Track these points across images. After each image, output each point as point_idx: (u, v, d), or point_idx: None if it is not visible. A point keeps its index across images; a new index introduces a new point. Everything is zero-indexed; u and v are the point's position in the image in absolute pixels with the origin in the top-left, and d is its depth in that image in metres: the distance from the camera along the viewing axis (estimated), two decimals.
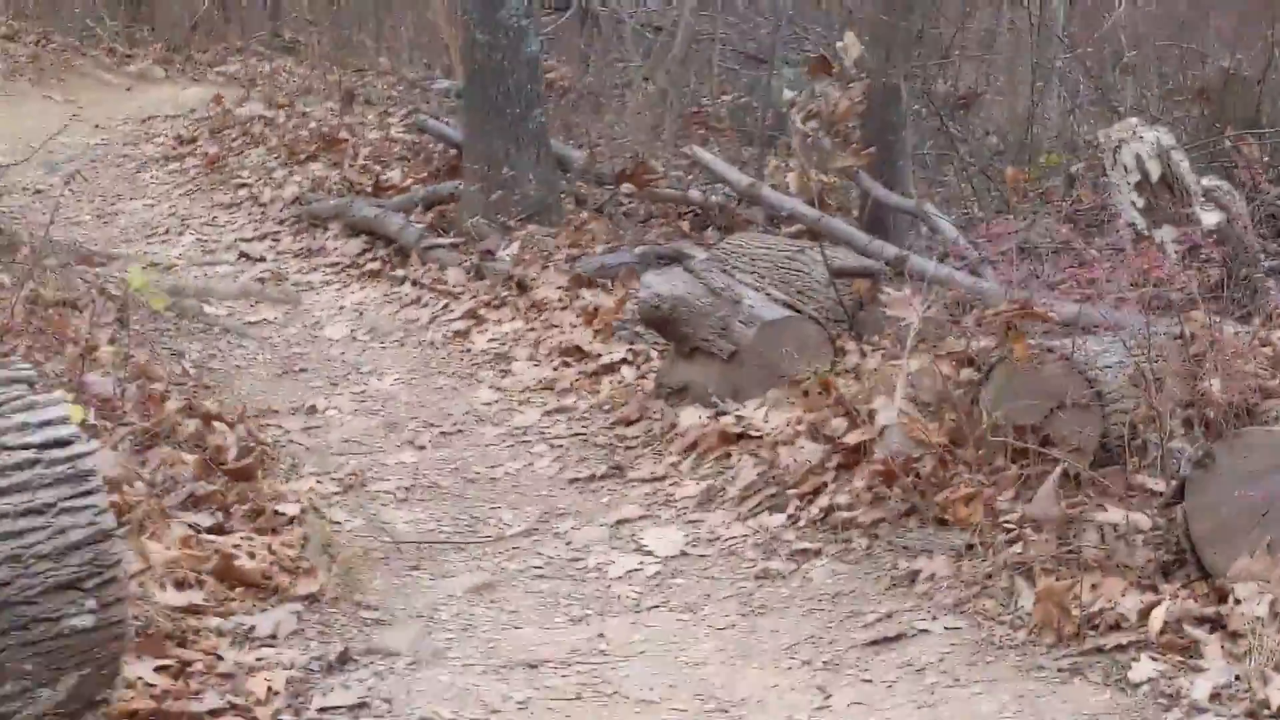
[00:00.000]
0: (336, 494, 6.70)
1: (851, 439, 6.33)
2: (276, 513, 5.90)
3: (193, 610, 5.06)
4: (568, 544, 6.18)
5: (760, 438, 6.75)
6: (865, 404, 6.53)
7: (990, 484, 5.80)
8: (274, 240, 11.16)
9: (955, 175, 9.78)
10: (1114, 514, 5.44)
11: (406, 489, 6.83)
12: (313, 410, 7.80)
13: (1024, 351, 5.70)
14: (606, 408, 7.59)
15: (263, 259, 10.65)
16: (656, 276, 7.53)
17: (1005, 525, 5.56)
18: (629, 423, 7.36)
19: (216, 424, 6.80)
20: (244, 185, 12.55)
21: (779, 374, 7.11)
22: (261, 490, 6.15)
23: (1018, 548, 5.40)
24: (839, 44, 8.70)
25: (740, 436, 6.83)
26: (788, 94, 8.71)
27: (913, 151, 8.97)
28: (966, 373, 6.43)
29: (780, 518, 6.16)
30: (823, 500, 6.11)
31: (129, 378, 7.46)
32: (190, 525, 5.70)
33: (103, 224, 12.11)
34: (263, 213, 11.86)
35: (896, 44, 8.73)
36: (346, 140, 12.95)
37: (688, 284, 7.40)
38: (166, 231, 11.74)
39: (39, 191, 13.18)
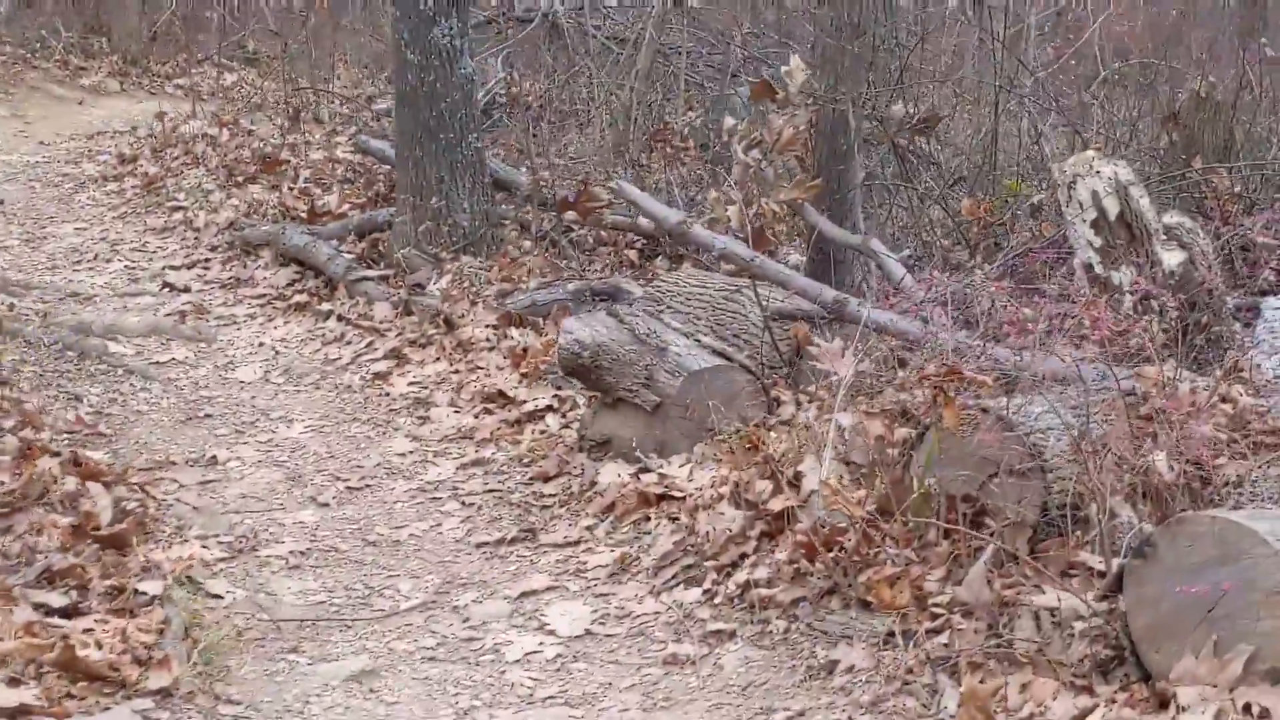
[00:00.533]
0: (223, 560, 6.21)
1: (775, 505, 5.85)
2: (137, 591, 5.38)
3: (22, 711, 4.55)
4: (465, 621, 5.69)
5: (683, 499, 6.26)
6: (794, 464, 6.06)
7: (919, 560, 5.31)
8: (203, 268, 10.65)
9: (910, 207, 9.26)
10: (1051, 597, 4.95)
11: (301, 554, 6.33)
12: (213, 461, 7.29)
13: (955, 419, 5.20)
14: (526, 461, 7.09)
15: (187, 289, 10.14)
16: (578, 322, 7.03)
17: (933, 609, 5.07)
18: (547, 479, 6.87)
19: (92, 484, 6.27)
20: (179, 208, 12.04)
21: (707, 427, 6.62)
22: (126, 565, 5.66)
23: (944, 637, 4.91)
24: (784, 68, 8.18)
25: (661, 498, 6.35)
26: (729, 121, 8.20)
27: (865, 182, 8.44)
28: (902, 431, 5.92)
29: (696, 592, 5.68)
30: (742, 574, 5.62)
31: (13, 428, 6.97)
32: (39, 606, 5.21)
33: (30, 249, 11.58)
34: (196, 238, 11.35)
35: (846, 68, 8.22)
36: (288, 161, 12.44)
37: (611, 330, 6.91)
38: (95, 258, 11.22)
39: None
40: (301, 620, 5.65)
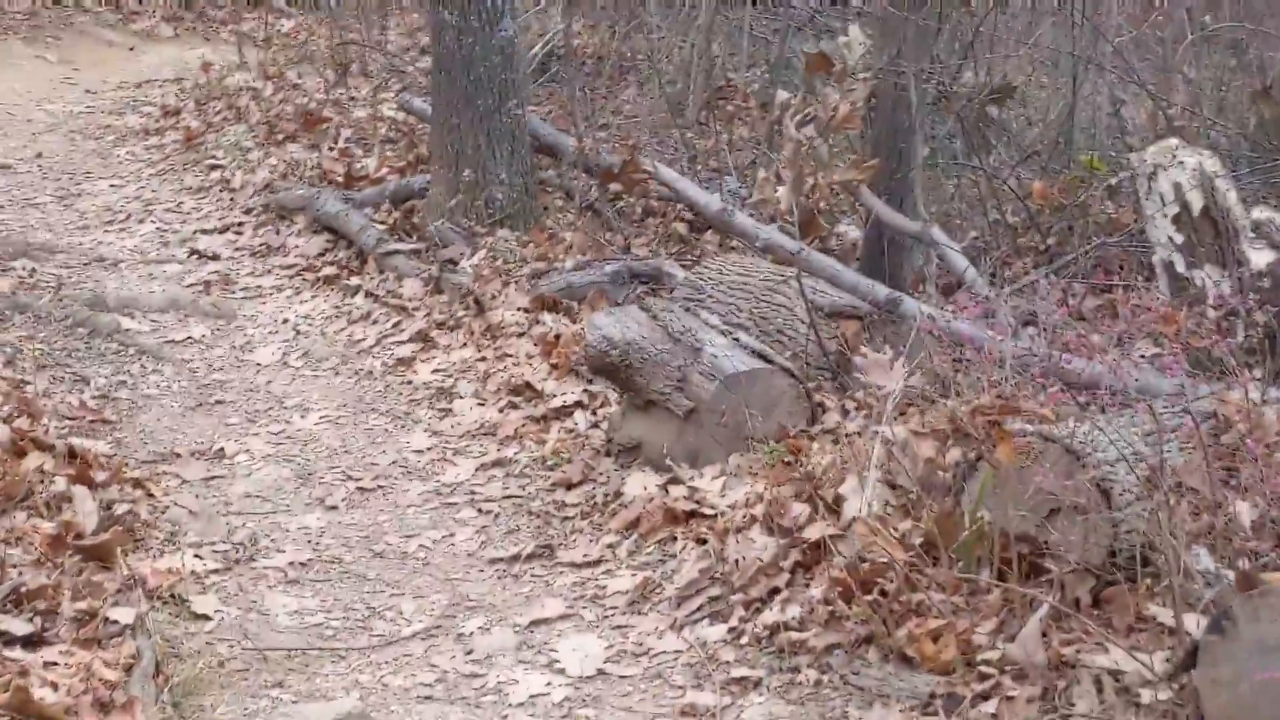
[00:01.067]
0: (216, 572, 5.75)
1: (812, 533, 5.33)
2: (108, 620, 4.91)
3: None
4: (468, 653, 5.20)
5: (714, 516, 5.74)
6: (836, 484, 5.53)
7: (967, 608, 4.78)
8: (236, 233, 10.17)
9: (977, 188, 8.66)
10: (1115, 658, 4.42)
11: (301, 565, 5.87)
12: (220, 455, 6.83)
13: (1010, 456, 4.65)
14: (550, 464, 6.58)
15: (215, 257, 9.66)
16: (608, 317, 6.51)
17: (982, 668, 4.54)
18: (570, 485, 6.37)
19: (78, 487, 5.81)
20: (217, 167, 11.54)
21: (743, 436, 6.08)
22: (101, 586, 5.19)
23: (992, 705, 4.39)
24: (841, 39, 7.60)
25: (690, 515, 5.83)
26: (781, 95, 7.63)
27: (927, 162, 7.85)
28: (955, 454, 5.37)
29: (720, 629, 5.17)
30: (772, 613, 5.09)
31: (10, 414, 6.52)
32: None
33: (63, 207, 11.14)
34: (231, 200, 10.86)
35: (909, 39, 7.62)
36: (330, 120, 11.92)
37: (643, 326, 6.40)
38: (127, 218, 10.76)
39: (4, 167, 12.22)
40: (290, 650, 5.17)
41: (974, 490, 5.00)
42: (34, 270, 9.28)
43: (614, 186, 9.52)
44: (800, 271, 6.44)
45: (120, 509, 5.93)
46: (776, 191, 7.25)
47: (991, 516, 4.90)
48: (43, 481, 5.89)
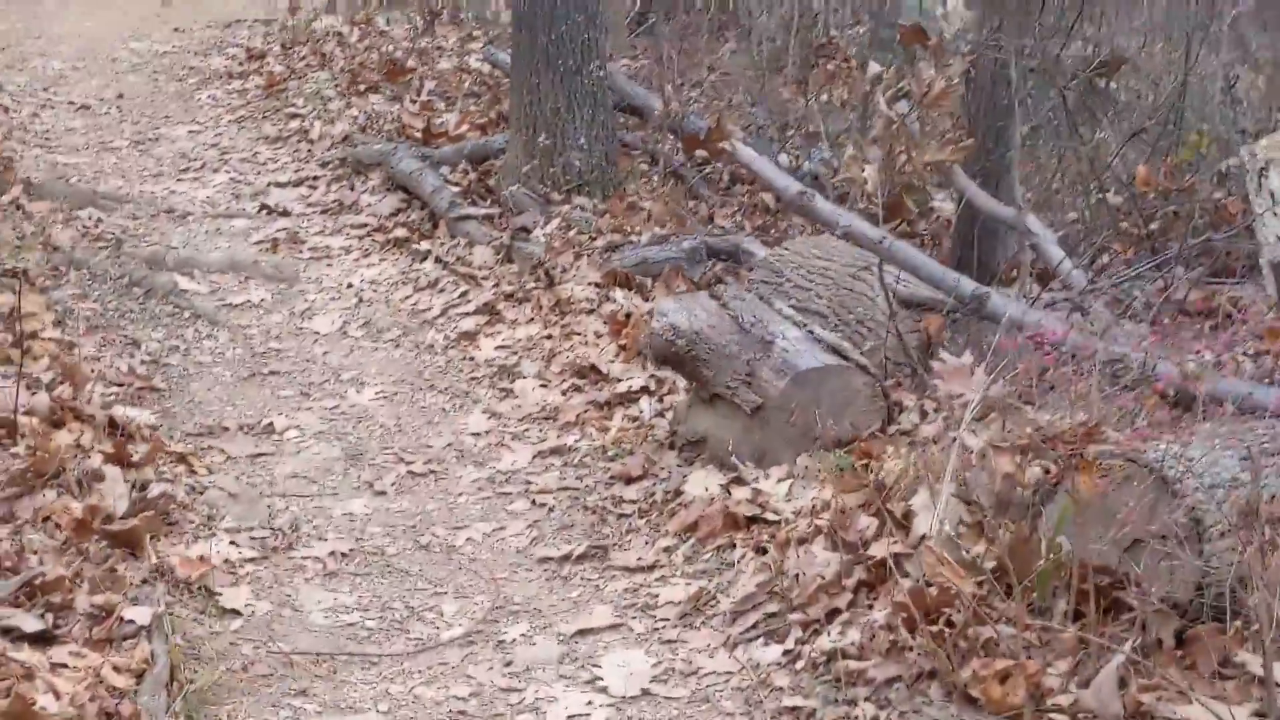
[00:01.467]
0: (252, 561, 5.48)
1: (878, 550, 4.97)
2: (123, 619, 4.64)
3: None
4: (507, 664, 4.90)
5: (777, 523, 5.40)
6: (907, 496, 5.17)
7: (1040, 645, 4.41)
8: (310, 187, 9.90)
9: (1079, 168, 8.22)
10: (1197, 711, 4.06)
11: (343, 555, 5.59)
12: (269, 430, 6.56)
13: (1090, 488, 4.27)
14: (610, 454, 6.26)
15: (286, 213, 9.39)
16: (675, 304, 6.17)
17: (1052, 715, 4.18)
18: (630, 479, 6.05)
19: (110, 468, 5.55)
20: (297, 116, 11.30)
21: (814, 436, 5.73)
22: (122, 578, 4.90)
23: None
24: (940, 10, 7.18)
25: (752, 521, 5.50)
26: (873, 68, 7.22)
27: (1026, 143, 7.43)
28: (1035, 471, 4.99)
29: (775, 651, 4.83)
30: (831, 637, 4.73)
31: (52, 381, 6.27)
32: (8, 631, 4.49)
33: (138, 152, 10.93)
34: (308, 151, 10.61)
35: (1011, 12, 7.19)
36: (413, 70, 11.61)
37: (711, 315, 6.05)
38: (202, 167, 10.53)
39: (84, 107, 12.02)
40: (319, 655, 4.88)
41: (1053, 514, 4.64)
42: (99, 220, 9.05)
43: (700, 153, 9.16)
44: (881, 261, 6.05)
45: (155, 490, 5.64)
46: (864, 171, 6.85)
47: (1071, 544, 4.53)
48: (76, 457, 5.61)
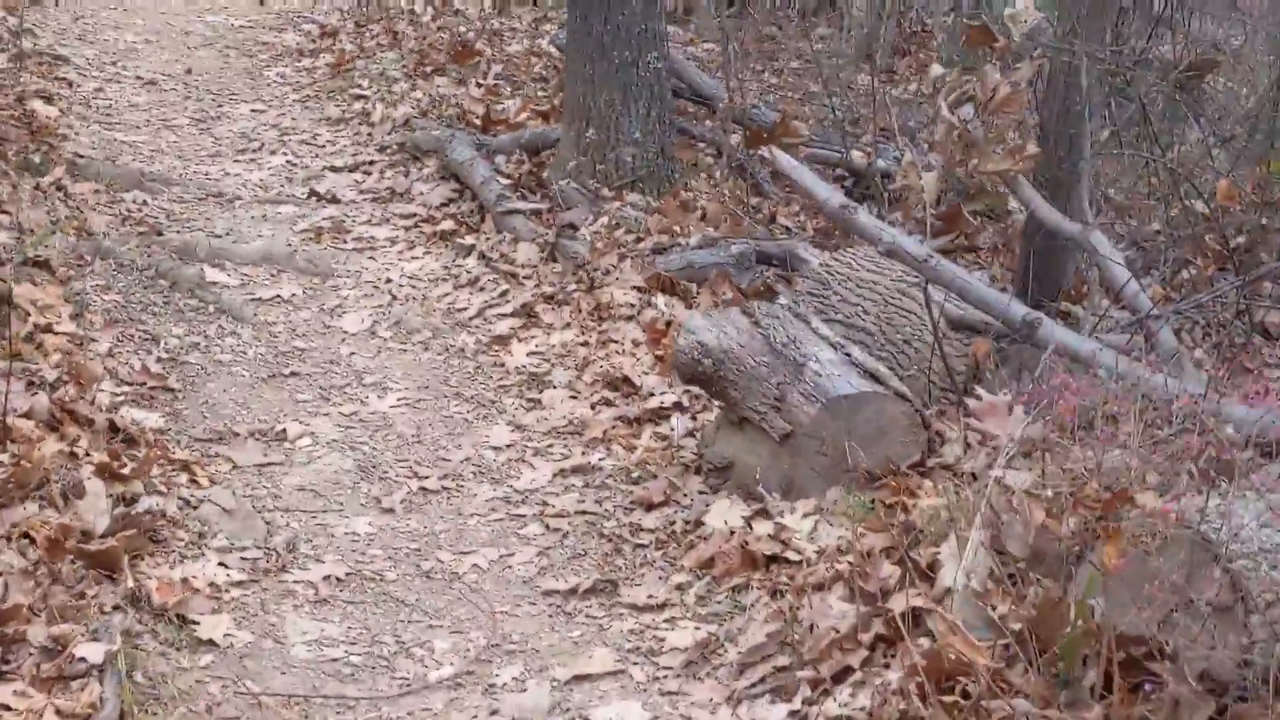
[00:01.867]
0: (240, 584, 5.16)
1: (898, 604, 4.58)
2: (76, 658, 4.34)
3: None
4: (493, 714, 4.54)
5: (798, 564, 5.03)
6: (937, 540, 4.79)
7: None
8: (364, 172, 9.59)
9: (1159, 178, 7.74)
10: None
11: (338, 580, 5.27)
12: (281, 437, 6.25)
13: (1117, 559, 3.86)
14: (634, 475, 5.91)
15: (335, 200, 9.08)
16: (705, 321, 5.79)
17: None
18: (650, 506, 5.69)
19: (91, 481, 5.25)
20: (361, 97, 10.99)
21: (846, 467, 5.35)
22: (83, 610, 4.60)
23: None
24: (1008, 10, 6.75)
25: (771, 560, 5.12)
26: (935, 69, 6.80)
27: (1099, 151, 6.97)
28: (1075, 521, 4.58)
29: (781, 711, 4.46)
30: (837, 700, 4.36)
31: (57, 380, 6.00)
32: None
33: (198, 131, 10.65)
34: (369, 135, 10.30)
35: (1085, 14, 6.74)
36: (481, 53, 11.27)
37: (742, 334, 5.68)
38: (260, 148, 10.25)
39: (151, 83, 11.78)
40: (291, 696, 4.56)
41: (1085, 575, 4.23)
42: (144, 204, 8.78)
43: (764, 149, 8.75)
44: (927, 281, 5.65)
45: (145, 504, 5.35)
46: (921, 179, 6.44)
47: (1103, 609, 4.12)
48: (65, 466, 5.32)
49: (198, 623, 4.85)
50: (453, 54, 11.21)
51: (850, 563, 4.85)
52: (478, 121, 9.78)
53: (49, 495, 5.19)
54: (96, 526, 5.07)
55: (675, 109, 9.13)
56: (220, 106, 11.22)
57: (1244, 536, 4.06)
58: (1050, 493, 4.66)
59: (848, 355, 5.62)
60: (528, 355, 6.91)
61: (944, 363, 5.77)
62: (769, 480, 5.49)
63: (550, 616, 5.09)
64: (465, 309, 7.44)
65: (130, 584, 4.88)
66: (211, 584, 5.09)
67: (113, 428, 5.86)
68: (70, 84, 11.31)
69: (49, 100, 10.41)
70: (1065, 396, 4.27)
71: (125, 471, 5.42)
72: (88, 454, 5.56)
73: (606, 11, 8.17)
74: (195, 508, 5.52)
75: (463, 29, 12.12)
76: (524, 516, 5.73)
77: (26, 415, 5.70)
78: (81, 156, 9.36)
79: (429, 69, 11.16)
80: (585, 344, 6.89)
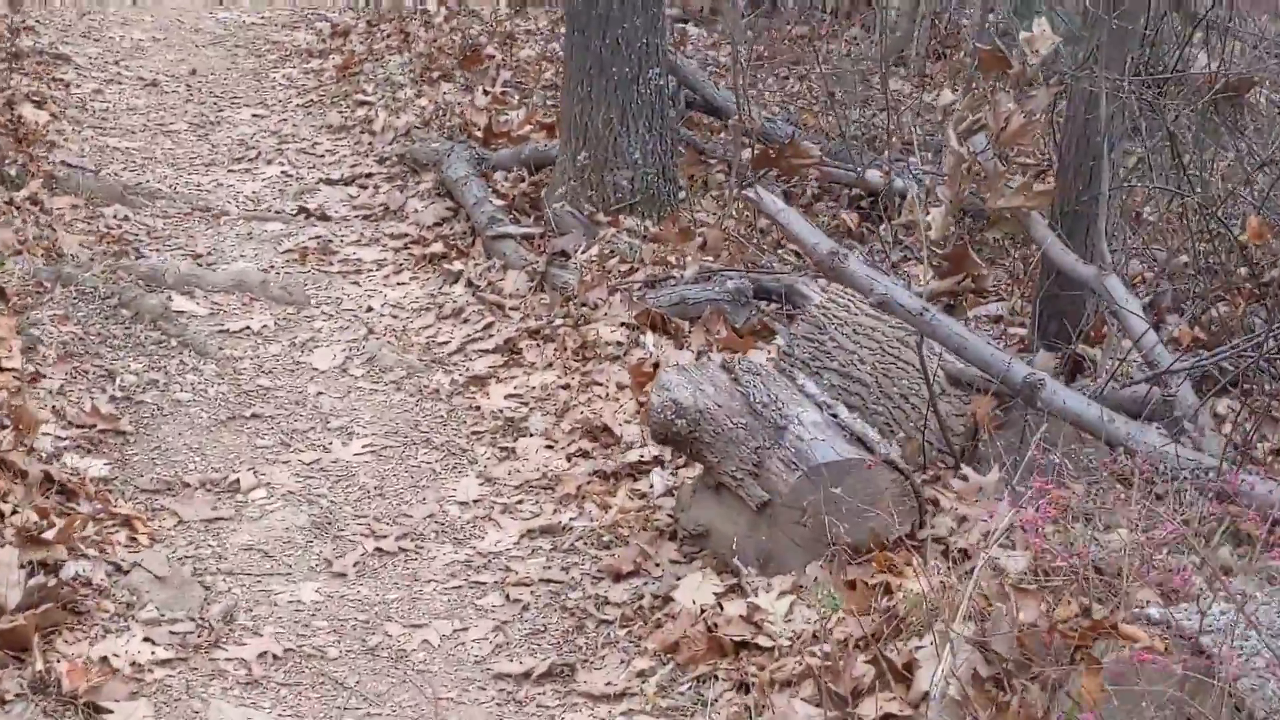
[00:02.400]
0: (165, 663, 4.76)
1: (867, 710, 4.15)
2: None
3: None
4: None
5: (769, 650, 4.60)
6: (922, 630, 4.37)
7: None
8: (360, 186, 9.18)
9: (1185, 212, 7.26)
10: None
11: (275, 659, 4.87)
12: (234, 489, 5.85)
13: (1096, 694, 3.42)
14: (605, 540, 5.48)
15: (325, 217, 8.68)
16: (681, 376, 5.37)
17: None
18: (619, 576, 5.27)
19: (4, 550, 4.85)
20: (365, 103, 10.58)
21: (825, 541, 4.90)
22: None
23: None
24: (1024, 34, 6.28)
25: (741, 647, 4.69)
26: (946, 96, 6.34)
27: (1119, 185, 6.50)
28: (1067, 613, 4.13)
29: None
30: None
31: None
32: None
33: (196, 137, 10.27)
34: (370, 144, 9.89)
35: (1110, 38, 6.26)
36: (491, 58, 10.84)
37: (720, 392, 5.25)
38: (256, 157, 9.86)
39: (153, 84, 11.40)
40: None
41: (1075, 689, 3.79)
42: (125, 219, 8.41)
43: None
44: (922, 338, 5.20)
45: (70, 570, 4.96)
46: (928, 215, 5.99)
47: None
48: None
49: (110, 711, 4.44)
50: (461, 58, 10.77)
51: (822, 655, 4.42)
52: (479, 134, 9.35)
53: None
54: (7, 600, 4.67)
55: (679, 126, 8.70)
56: (221, 111, 10.85)
57: (1250, 648, 3.63)
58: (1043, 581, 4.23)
59: (834, 416, 5.18)
60: (505, 398, 6.50)
61: (940, 424, 5.32)
62: (745, 551, 5.07)
63: (499, 705, 4.68)
64: (446, 343, 7.03)
65: (39, 667, 4.49)
66: (133, 663, 4.70)
67: (48, 479, 5.47)
68: (68, 85, 10.94)
69: (40, 104, 10.04)
70: (1047, 501, 3.82)
71: (49, 536, 5.02)
72: (15, 511, 5.17)
73: (605, 26, 7.72)
74: (126, 573, 5.12)
75: (475, 30, 11.68)
76: (484, 585, 5.32)
77: None
78: (69, 166, 8.99)
79: (436, 74, 10.74)
80: (567, 386, 6.47)
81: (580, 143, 7.80)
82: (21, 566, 4.83)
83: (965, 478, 4.88)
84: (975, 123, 6.22)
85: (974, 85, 8.15)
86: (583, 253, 7.40)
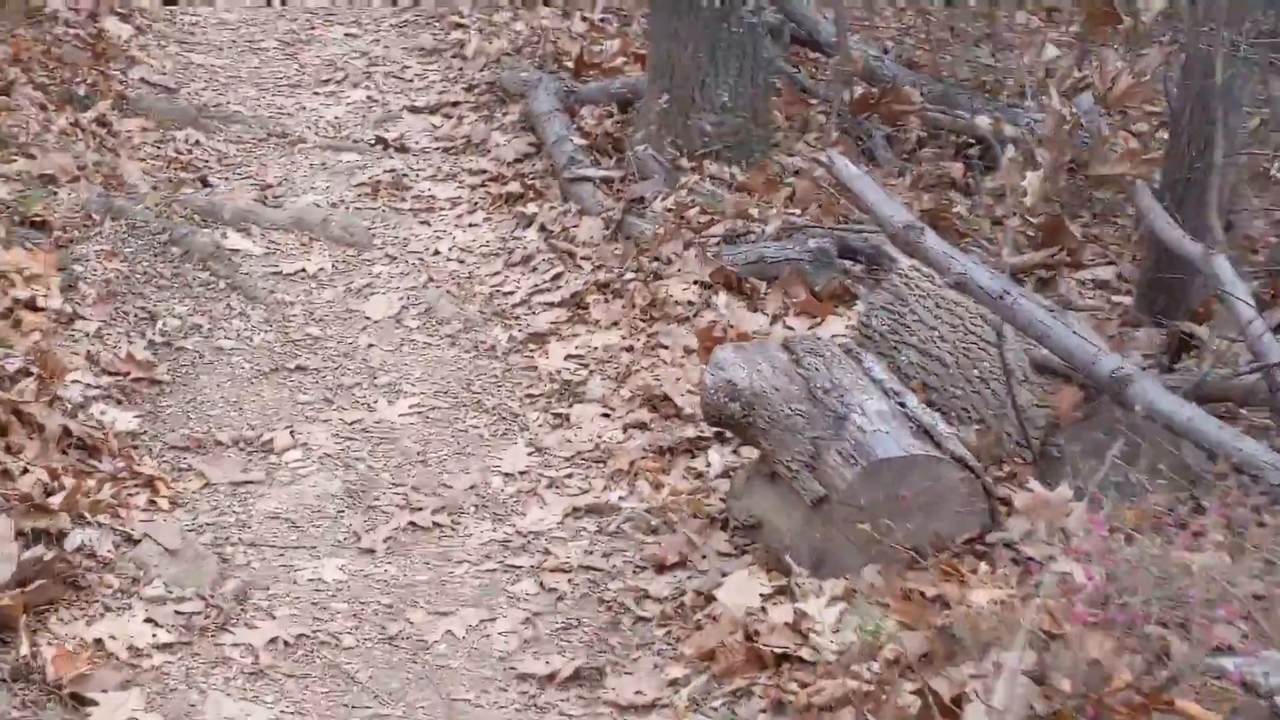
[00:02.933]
0: (165, 647, 4.45)
1: None
2: None
3: None
4: None
5: (811, 665, 4.20)
6: (979, 654, 3.96)
7: None
8: (445, 116, 8.80)
9: None
10: None
11: (285, 646, 4.55)
12: (267, 449, 5.51)
13: None
14: (652, 524, 5.08)
15: (403, 149, 8.31)
16: (738, 354, 4.96)
17: None
18: (663, 567, 4.87)
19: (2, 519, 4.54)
20: (460, 25, 10.16)
21: (886, 543, 4.49)
22: None
23: None
24: None
25: (782, 660, 4.28)
26: (1050, 51, 5.82)
27: (1233, 156, 5.97)
28: (1138, 662, 3.71)
29: None
30: None
31: (15, 372, 5.32)
32: None
33: (285, 56, 9.94)
34: (460, 70, 9.50)
35: None
36: None
37: (779, 374, 4.84)
38: (343, 79, 9.50)
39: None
40: None
41: None
42: (196, 144, 8.11)
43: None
44: (1001, 325, 4.75)
45: (74, 540, 4.65)
46: (1024, 179, 5.51)
47: None
48: None
49: (96, 703, 4.13)
50: None
51: (867, 679, 4.02)
52: (570, 64, 8.92)
53: None
54: (1, 574, 4.37)
55: (780, 63, 8.21)
56: (313, 29, 10.49)
57: None
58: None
59: (902, 405, 4.74)
60: (565, 358, 6.10)
61: (1017, 416, 4.87)
62: (798, 549, 4.66)
63: (519, 711, 4.32)
64: (511, 294, 6.64)
65: (24, 651, 4.18)
66: (130, 647, 4.39)
67: (67, 434, 5.16)
68: None
69: (125, 17, 9.72)
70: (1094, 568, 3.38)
71: (54, 502, 4.70)
72: (26, 470, 4.86)
73: None
74: (137, 543, 4.79)
75: None
76: (519, 569, 4.95)
77: None
78: (147, 83, 8.69)
79: None
80: (630, 349, 6.07)
81: (666, 82, 7.35)
82: (21, 535, 4.53)
83: (1031, 485, 4.45)
84: (1080, 81, 5.71)
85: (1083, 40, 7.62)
86: (662, 201, 6.97)
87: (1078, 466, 4.56)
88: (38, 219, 6.38)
